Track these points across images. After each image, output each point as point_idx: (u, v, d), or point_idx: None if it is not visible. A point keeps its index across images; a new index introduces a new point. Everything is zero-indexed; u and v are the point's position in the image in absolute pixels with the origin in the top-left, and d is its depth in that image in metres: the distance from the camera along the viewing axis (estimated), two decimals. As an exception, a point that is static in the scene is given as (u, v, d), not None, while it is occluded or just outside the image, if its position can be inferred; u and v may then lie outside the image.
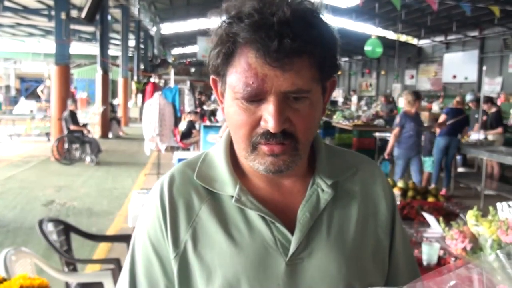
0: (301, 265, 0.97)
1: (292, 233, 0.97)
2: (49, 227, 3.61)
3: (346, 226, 1.02)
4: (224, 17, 0.92)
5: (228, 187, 1.01)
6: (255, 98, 0.88)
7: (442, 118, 9.13)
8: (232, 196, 1.00)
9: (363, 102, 25.99)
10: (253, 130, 0.91)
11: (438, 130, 8.96)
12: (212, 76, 1.01)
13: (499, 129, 10.31)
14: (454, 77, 28.28)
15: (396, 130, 7.61)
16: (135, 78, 25.68)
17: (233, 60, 0.90)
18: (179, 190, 1.03)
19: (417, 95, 7.71)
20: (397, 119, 7.69)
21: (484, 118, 10.41)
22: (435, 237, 2.97)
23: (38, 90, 19.84)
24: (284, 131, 0.89)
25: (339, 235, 1.01)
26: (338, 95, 31.32)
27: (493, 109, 10.68)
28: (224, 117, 1.01)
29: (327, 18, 0.94)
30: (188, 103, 16.68)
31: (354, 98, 25.62)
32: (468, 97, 11.39)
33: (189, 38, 35.68)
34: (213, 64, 0.94)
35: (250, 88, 0.87)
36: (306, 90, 0.89)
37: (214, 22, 0.94)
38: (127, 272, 1.04)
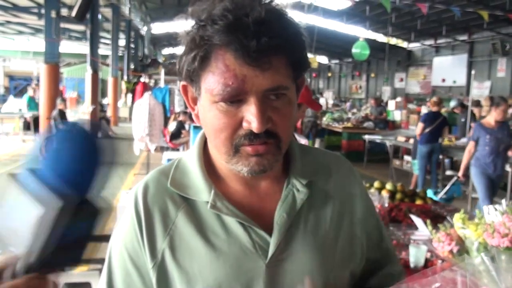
0: (281, 266, 0.97)
1: (270, 235, 0.97)
2: (37, 226, 3.58)
3: (323, 224, 1.03)
4: (193, 21, 0.90)
5: (202, 193, 1.00)
6: (235, 98, 0.88)
7: (419, 127, 8.91)
8: (207, 202, 0.99)
9: (348, 104, 26.05)
10: (235, 132, 0.90)
11: (419, 136, 8.95)
12: (182, 83, 0.99)
13: None
14: (443, 80, 28.45)
15: (470, 145, 6.50)
16: (125, 77, 25.55)
17: (208, 64, 0.89)
18: (154, 199, 1.02)
19: (497, 101, 6.46)
20: (471, 131, 6.59)
21: (473, 125, 10.43)
22: (422, 240, 2.99)
23: (30, 89, 19.73)
24: (267, 130, 0.89)
25: (317, 234, 1.01)
26: (328, 97, 31.41)
27: (484, 113, 10.71)
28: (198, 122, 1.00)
29: (295, 17, 0.94)
30: (178, 104, 16.62)
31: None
32: (452, 103, 11.40)
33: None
34: (188, 69, 0.92)
35: (230, 88, 0.86)
36: (286, 87, 0.90)
37: (182, 26, 0.92)
38: (104, 285, 1.02)
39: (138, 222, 1.00)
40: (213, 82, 0.88)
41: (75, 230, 0.92)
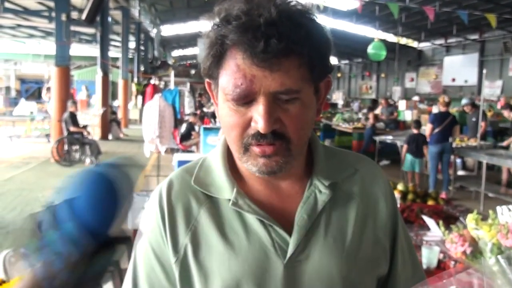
0: (299, 267, 0.96)
1: (290, 235, 0.97)
2: (48, 228, 3.59)
3: (345, 227, 1.01)
4: (214, 21, 0.92)
5: (225, 191, 1.01)
6: (244, 99, 0.88)
7: (428, 128, 8.95)
8: (229, 200, 0.99)
9: (356, 105, 25.97)
10: (244, 131, 0.91)
11: (428, 137, 8.92)
12: (206, 80, 1.00)
13: None
14: (454, 80, 28.31)
15: None
16: (135, 79, 25.69)
17: (223, 62, 0.90)
18: (177, 195, 1.03)
19: None
20: None
21: (483, 124, 10.25)
22: (435, 241, 2.97)
23: (44, 91, 19.91)
24: (274, 131, 0.89)
25: (338, 236, 1.00)
26: (338, 97, 31.35)
27: None
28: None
29: (319, 18, 0.93)
30: (188, 105, 16.69)
31: None
32: (464, 101, 11.20)
33: (190, 40, 35.73)
34: (204, 67, 0.95)
35: (239, 89, 0.87)
36: (296, 90, 0.88)
37: (207, 25, 0.94)
38: (130, 281, 1.03)
39: (162, 218, 1.01)
40: (225, 81, 0.90)
41: (91, 269, 0.95)
